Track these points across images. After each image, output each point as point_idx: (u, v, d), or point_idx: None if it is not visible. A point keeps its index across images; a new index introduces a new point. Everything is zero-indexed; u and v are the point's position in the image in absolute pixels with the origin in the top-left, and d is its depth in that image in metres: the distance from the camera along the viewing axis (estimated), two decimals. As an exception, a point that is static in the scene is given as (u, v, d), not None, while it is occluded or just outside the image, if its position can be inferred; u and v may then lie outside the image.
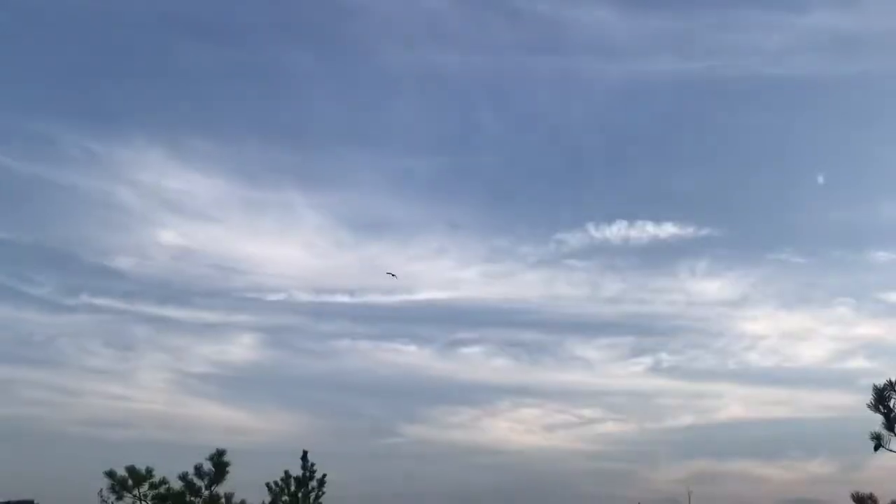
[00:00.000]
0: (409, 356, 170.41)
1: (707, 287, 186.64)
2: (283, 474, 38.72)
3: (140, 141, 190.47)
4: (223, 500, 40.87)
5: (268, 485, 38.42)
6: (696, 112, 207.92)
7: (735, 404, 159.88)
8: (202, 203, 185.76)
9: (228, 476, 39.06)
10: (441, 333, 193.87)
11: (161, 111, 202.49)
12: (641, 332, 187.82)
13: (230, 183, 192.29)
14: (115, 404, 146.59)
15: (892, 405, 14.67)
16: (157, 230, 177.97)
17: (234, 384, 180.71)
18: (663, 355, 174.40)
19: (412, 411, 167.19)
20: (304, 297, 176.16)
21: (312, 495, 38.79)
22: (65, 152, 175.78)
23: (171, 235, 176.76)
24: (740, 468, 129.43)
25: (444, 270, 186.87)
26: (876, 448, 14.92)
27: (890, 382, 14.84)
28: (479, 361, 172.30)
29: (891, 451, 14.46)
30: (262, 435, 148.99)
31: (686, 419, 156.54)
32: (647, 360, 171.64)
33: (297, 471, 39.34)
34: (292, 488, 38.99)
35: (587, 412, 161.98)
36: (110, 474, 22.56)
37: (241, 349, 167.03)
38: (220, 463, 38.21)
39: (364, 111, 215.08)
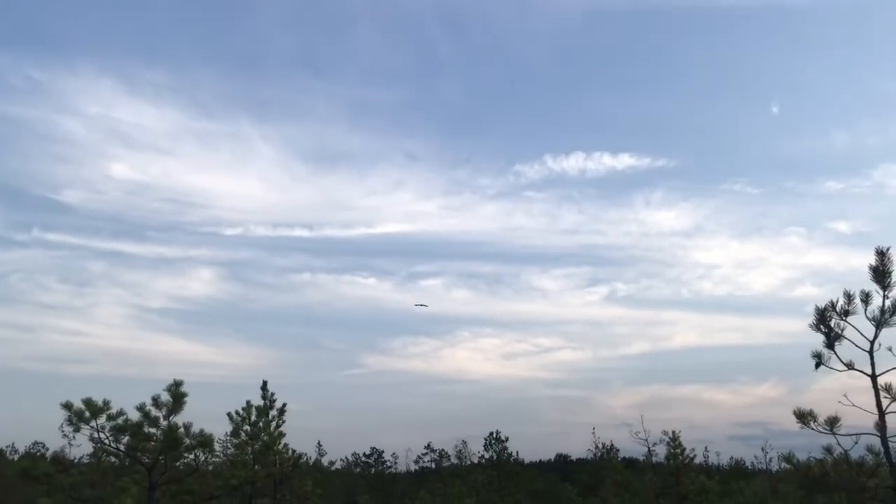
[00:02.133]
0: (369, 289, 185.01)
1: (662, 218, 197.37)
2: (244, 404, 36.97)
3: (88, 70, 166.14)
4: (182, 429, 40.06)
5: (229, 414, 36.77)
6: (653, 43, 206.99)
7: (688, 332, 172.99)
8: (154, 135, 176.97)
9: (190, 408, 38.27)
10: (401, 266, 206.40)
11: (110, 39, 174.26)
12: (597, 262, 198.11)
13: (183, 114, 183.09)
14: (72, 340, 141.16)
15: (832, 325, 14.93)
16: (108, 163, 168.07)
17: (194, 319, 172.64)
18: (618, 285, 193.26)
19: (373, 343, 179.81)
20: (262, 231, 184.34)
21: (273, 423, 37.52)
22: (4, 80, 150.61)
23: (122, 169, 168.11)
24: (692, 393, 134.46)
25: (403, 203, 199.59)
26: (817, 366, 15.27)
27: (831, 303, 15.14)
28: (438, 293, 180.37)
29: (830, 368, 14.80)
30: (223, 369, 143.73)
31: (640, 347, 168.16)
32: (603, 290, 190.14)
33: (256, 400, 37.54)
34: (252, 416, 38.67)
35: (545, 341, 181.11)
36: (67, 406, 22.39)
37: (200, 284, 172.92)
38: (177, 394, 37.96)
39: (320, 41, 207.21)
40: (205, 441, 23.94)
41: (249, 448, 34.84)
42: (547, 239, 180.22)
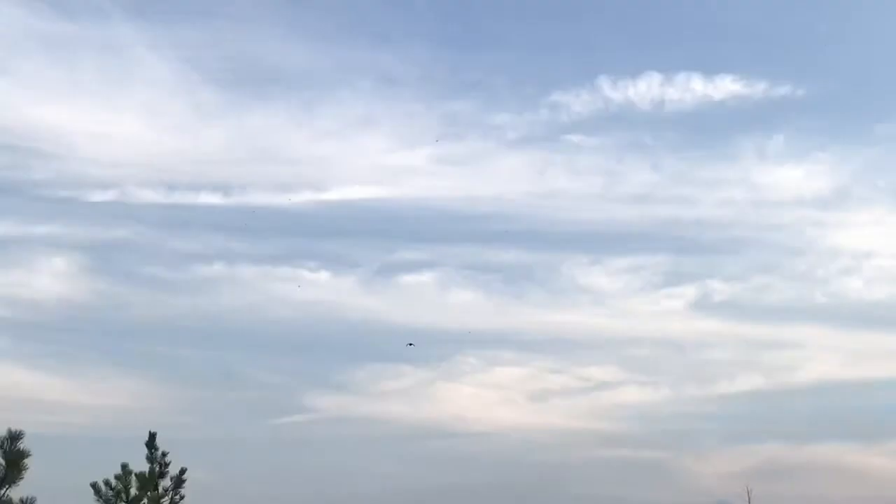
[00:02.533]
0: (320, 289, 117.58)
1: (783, 177, 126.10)
2: (118, 470, 28.25)
3: None
4: None
5: (94, 485, 28.10)
6: None
7: (825, 358, 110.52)
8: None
9: (34, 475, 28.90)
10: (370, 252, 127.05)
11: None
12: (681, 247, 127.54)
13: (24, 8, 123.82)
14: None
15: None
16: None
17: (39, 334, 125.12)
18: (714, 284, 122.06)
19: (325, 374, 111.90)
20: (148, 196, 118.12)
21: (166, 500, 28.59)
22: None
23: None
24: (830, 455, 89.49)
25: (372, 153, 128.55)
26: None
27: None
28: (430, 296, 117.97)
29: None
30: (86, 413, 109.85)
31: (749, 382, 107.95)
32: (690, 292, 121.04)
33: (140, 463, 28.72)
34: (133, 489, 28.30)
35: (597, 372, 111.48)
36: None
37: (49, 279, 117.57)
38: (13, 453, 26.78)
39: None
40: None
41: None
42: (601, 210, 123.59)
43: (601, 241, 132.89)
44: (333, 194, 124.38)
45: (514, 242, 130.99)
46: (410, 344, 76.79)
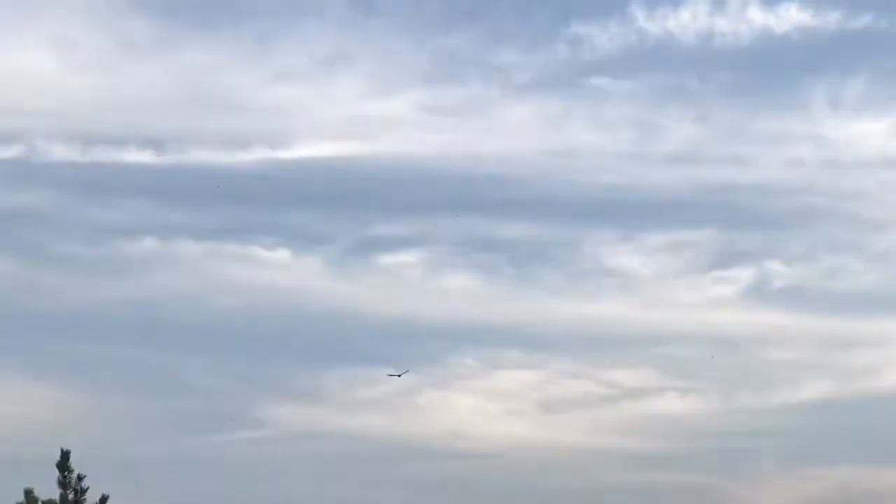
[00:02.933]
0: (279, 271, 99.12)
1: (863, 132, 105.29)
2: (22, 495, 25.02)
3: None
4: None
5: None
6: None
7: None
8: None
9: None
10: (342, 225, 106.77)
11: None
12: (734, 220, 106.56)
13: None
14: None
15: None
16: None
17: None
18: (776, 266, 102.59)
19: (285, 378, 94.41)
20: (61, 152, 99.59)
21: None
22: None
23: None
24: None
25: (344, 100, 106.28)
26: None
27: None
28: (416, 280, 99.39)
29: None
30: None
31: (817, 388, 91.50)
32: (745, 276, 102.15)
33: (49, 489, 25.31)
34: None
35: (626, 377, 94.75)
36: None
37: None
38: None
39: None
40: None
41: None
42: (634, 174, 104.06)
43: (633, 213, 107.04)
44: (295, 151, 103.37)
45: (523, 213, 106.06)
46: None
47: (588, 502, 77.91)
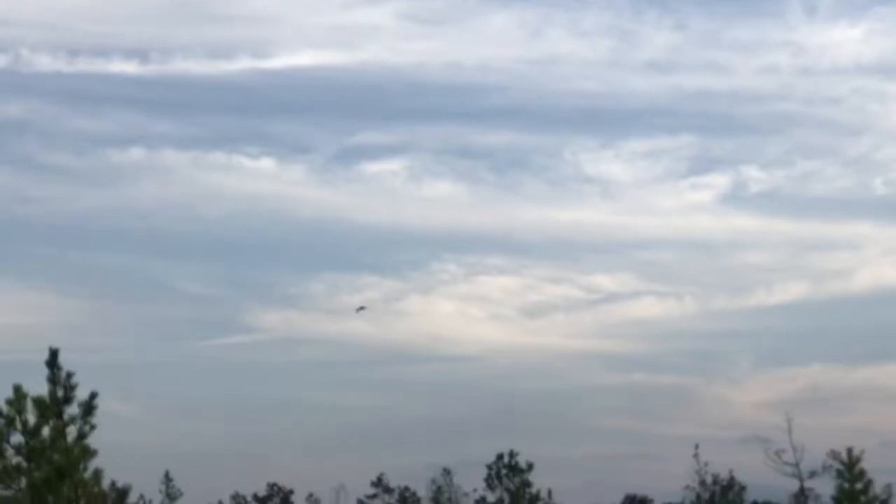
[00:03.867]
0: (263, 179, 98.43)
1: (838, 38, 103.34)
2: (11, 394, 23.64)
3: None
4: None
5: None
6: None
7: (884, 262, 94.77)
8: None
9: None
10: (325, 134, 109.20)
11: None
12: (711, 127, 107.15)
13: None
14: None
15: None
16: None
17: None
18: (751, 171, 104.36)
19: (271, 285, 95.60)
20: (46, 63, 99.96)
21: (73, 428, 23.72)
22: None
23: None
24: (886, 379, 77.76)
25: (327, 8, 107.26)
26: None
27: None
28: (398, 188, 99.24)
29: None
30: None
31: (791, 291, 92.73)
32: (721, 182, 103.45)
33: (39, 385, 23.97)
34: (29, 416, 23.71)
35: (605, 281, 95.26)
36: None
37: None
38: None
39: None
40: None
41: (24, 478, 23.25)
42: (613, 81, 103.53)
43: (612, 120, 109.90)
44: (279, 61, 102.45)
45: (504, 121, 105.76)
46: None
47: (568, 404, 76.18)
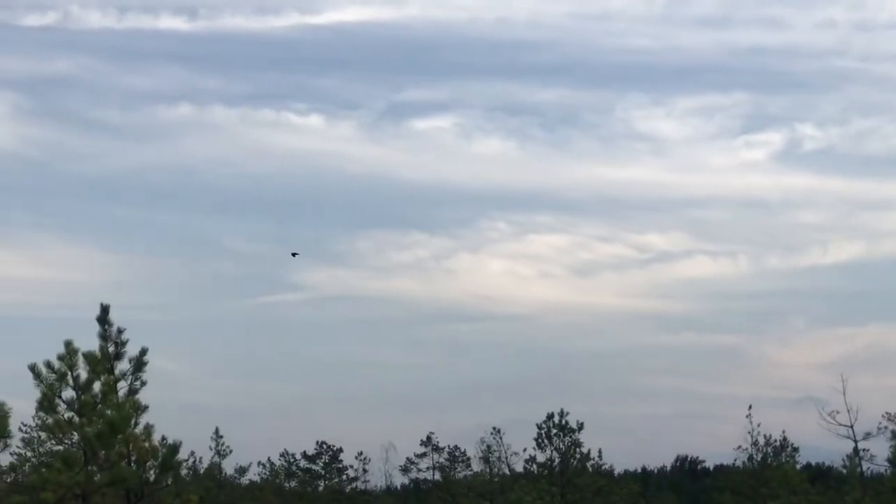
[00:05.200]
0: (310, 136, 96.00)
1: None
2: (62, 349, 23.11)
3: None
4: None
5: (33, 368, 23.01)
6: None
7: None
8: None
9: None
10: (373, 90, 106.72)
11: None
12: (765, 83, 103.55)
13: None
14: None
15: None
16: None
17: None
18: (805, 129, 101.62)
19: (319, 243, 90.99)
20: (95, 19, 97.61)
21: (125, 382, 23.77)
22: None
23: None
24: None
25: None
26: None
27: None
28: (448, 145, 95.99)
29: None
30: (19, 286, 77.87)
31: (846, 250, 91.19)
32: (776, 139, 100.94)
33: (90, 341, 23.98)
34: (81, 372, 23.36)
35: (657, 240, 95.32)
36: None
37: None
38: None
39: None
40: None
41: (76, 433, 22.82)
42: (665, 36, 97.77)
43: (664, 76, 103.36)
44: (326, 16, 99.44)
45: (554, 78, 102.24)
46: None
47: (619, 363, 74.44)
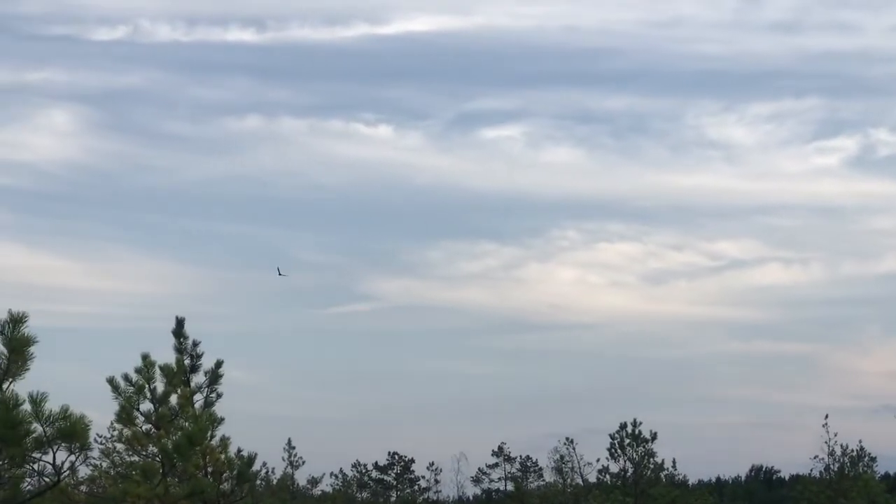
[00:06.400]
0: (380, 146, 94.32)
1: None
2: (139, 362, 22.74)
3: None
4: (26, 405, 23.87)
5: (111, 381, 22.48)
6: None
7: None
8: None
9: (42, 369, 23.01)
10: (442, 100, 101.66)
11: None
12: (838, 88, 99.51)
13: None
14: None
15: None
16: None
17: (41, 205, 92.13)
18: (881, 134, 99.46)
19: (389, 253, 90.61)
20: (165, 33, 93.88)
21: (201, 395, 24.30)
22: None
23: None
24: None
25: None
26: None
27: None
28: (517, 154, 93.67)
29: None
30: (96, 299, 78.40)
31: None
32: (849, 145, 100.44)
33: (165, 354, 23.93)
34: (158, 384, 23.00)
35: (729, 247, 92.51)
36: None
37: (49, 139, 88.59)
38: (17, 339, 19.50)
39: None
40: (72, 429, 12.85)
41: (152, 444, 22.43)
42: (736, 42, 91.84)
43: (735, 83, 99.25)
44: (394, 27, 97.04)
45: (623, 85, 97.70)
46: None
47: (691, 372, 72.62)
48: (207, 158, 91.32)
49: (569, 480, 47.18)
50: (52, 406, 20.63)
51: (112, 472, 23.73)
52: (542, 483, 53.33)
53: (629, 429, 38.64)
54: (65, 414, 15.35)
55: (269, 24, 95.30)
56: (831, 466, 40.93)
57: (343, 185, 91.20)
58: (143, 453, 22.71)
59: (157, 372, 23.28)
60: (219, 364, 23.74)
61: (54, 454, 15.87)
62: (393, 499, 58.33)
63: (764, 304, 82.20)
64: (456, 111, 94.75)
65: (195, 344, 23.57)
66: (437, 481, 58.47)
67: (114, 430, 23.67)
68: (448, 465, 57.92)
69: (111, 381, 23.14)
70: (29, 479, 18.40)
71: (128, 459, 23.32)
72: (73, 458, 17.86)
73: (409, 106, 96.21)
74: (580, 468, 47.00)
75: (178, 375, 23.40)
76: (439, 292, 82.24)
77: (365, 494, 58.23)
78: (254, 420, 47.55)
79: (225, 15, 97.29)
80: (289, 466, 50.93)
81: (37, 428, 15.35)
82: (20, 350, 15.70)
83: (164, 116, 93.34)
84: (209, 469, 23.29)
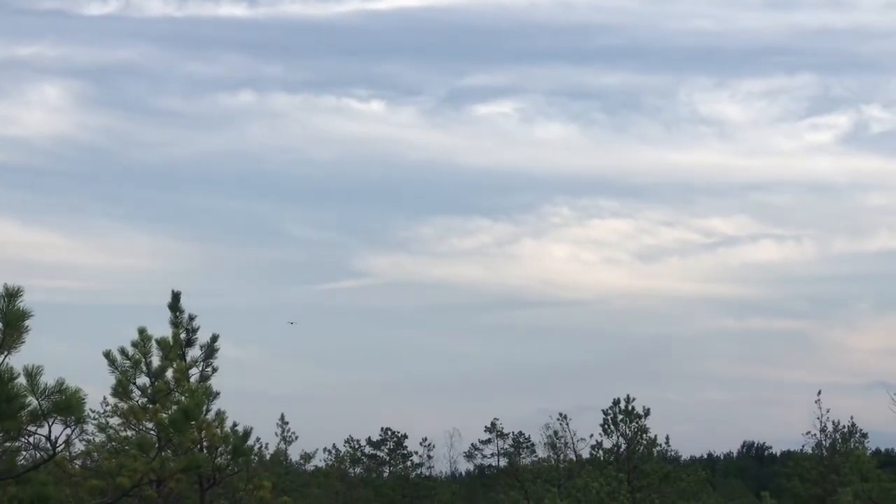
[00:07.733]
0: (373, 121, 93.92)
1: None
2: (136, 335, 23.34)
3: None
4: (22, 378, 23.70)
5: (107, 355, 23.00)
6: None
7: None
8: None
9: (38, 343, 22.71)
10: (434, 76, 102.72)
11: None
12: (831, 64, 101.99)
13: None
14: None
15: None
16: None
17: (35, 181, 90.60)
18: (873, 111, 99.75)
19: (381, 229, 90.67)
20: (157, 7, 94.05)
21: (196, 369, 24.21)
22: None
23: None
24: None
25: None
26: None
27: None
28: (510, 130, 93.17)
29: None
30: (92, 274, 78.06)
31: None
32: (842, 122, 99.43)
33: (161, 327, 24.12)
34: (154, 359, 23.57)
35: (721, 224, 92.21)
36: None
37: (41, 113, 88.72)
38: (12, 313, 19.34)
39: None
40: (67, 403, 12.91)
41: (149, 418, 22.55)
42: (729, 18, 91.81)
43: (728, 59, 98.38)
44: (387, 2, 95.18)
45: (616, 61, 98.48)
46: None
47: (684, 349, 72.88)
48: (200, 134, 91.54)
49: (562, 456, 47.68)
50: (47, 379, 20.43)
51: (107, 447, 23.71)
52: (535, 459, 53.78)
53: (622, 405, 38.72)
54: (60, 387, 15.32)
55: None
56: (823, 443, 41.37)
57: (336, 161, 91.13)
58: (140, 427, 22.64)
59: (154, 346, 23.25)
60: (214, 338, 23.64)
61: (50, 427, 15.84)
62: (385, 474, 58.67)
63: (756, 280, 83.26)
64: (449, 87, 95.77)
65: (191, 318, 23.44)
66: (430, 457, 58.91)
67: (107, 406, 23.77)
68: (441, 440, 58.25)
69: (108, 354, 22.96)
70: (25, 453, 18.39)
71: (122, 434, 23.24)
72: (68, 431, 17.98)
73: (402, 82, 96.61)
74: (573, 444, 47.55)
75: (175, 349, 23.37)
76: (432, 268, 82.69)
77: (358, 470, 58.59)
78: (245, 395, 47.39)
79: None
80: (282, 442, 50.99)
81: (32, 401, 15.32)
82: (15, 324, 15.70)
83: (157, 91, 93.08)
84: (205, 443, 23.34)
